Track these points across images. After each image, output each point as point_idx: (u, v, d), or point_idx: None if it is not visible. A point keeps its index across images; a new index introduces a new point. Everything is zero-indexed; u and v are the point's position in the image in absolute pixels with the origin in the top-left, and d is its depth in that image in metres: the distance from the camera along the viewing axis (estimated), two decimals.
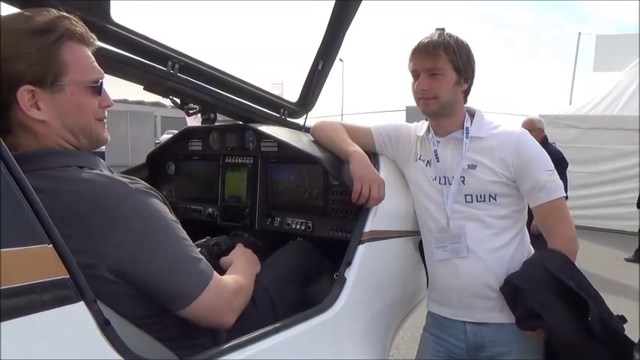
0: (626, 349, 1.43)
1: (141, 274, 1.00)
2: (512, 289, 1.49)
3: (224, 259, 1.39)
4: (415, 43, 1.58)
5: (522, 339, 1.54)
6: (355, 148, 1.64)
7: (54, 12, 1.03)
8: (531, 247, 1.68)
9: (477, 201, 1.58)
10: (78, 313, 0.78)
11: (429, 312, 1.77)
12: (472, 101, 1.70)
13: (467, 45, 1.59)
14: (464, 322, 1.64)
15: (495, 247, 1.58)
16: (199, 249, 1.33)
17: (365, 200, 1.55)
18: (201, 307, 1.05)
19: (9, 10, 1.20)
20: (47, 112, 1.02)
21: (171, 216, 1.08)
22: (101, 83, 1.09)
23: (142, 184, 1.05)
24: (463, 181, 1.59)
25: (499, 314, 1.58)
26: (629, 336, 1.46)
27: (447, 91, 1.56)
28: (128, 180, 1.03)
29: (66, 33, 1.03)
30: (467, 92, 1.63)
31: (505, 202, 1.58)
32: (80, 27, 1.06)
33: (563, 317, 1.40)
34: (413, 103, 1.65)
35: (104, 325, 0.81)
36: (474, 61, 1.61)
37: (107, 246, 0.96)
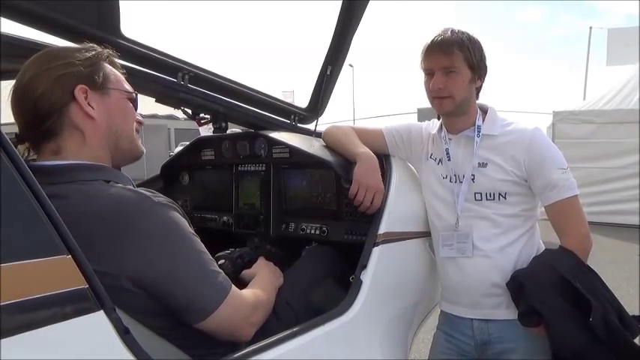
0: (629, 351, 1.39)
1: (159, 285, 1.01)
2: (518, 286, 1.49)
3: (246, 272, 1.39)
4: (428, 41, 1.57)
5: (529, 336, 1.52)
6: (363, 150, 1.65)
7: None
8: (542, 242, 1.67)
9: (487, 199, 1.57)
10: (97, 322, 0.78)
11: (441, 311, 1.78)
12: (486, 100, 1.70)
13: (478, 42, 1.58)
14: (471, 319, 1.64)
15: (502, 246, 1.57)
16: (223, 261, 1.33)
17: (359, 205, 1.56)
18: (219, 321, 1.06)
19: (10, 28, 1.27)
20: (97, 111, 1.09)
21: (190, 229, 1.09)
22: (136, 96, 1.21)
23: (163, 198, 1.07)
24: (473, 180, 1.58)
25: (505, 310, 1.57)
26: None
27: (462, 90, 1.55)
28: (150, 193, 1.06)
29: (108, 56, 1.17)
30: (479, 89, 1.63)
31: (515, 201, 1.57)
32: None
33: (566, 321, 1.39)
34: (424, 105, 1.65)
35: (124, 334, 0.81)
36: (485, 58, 1.61)
37: (129, 256, 0.99)
